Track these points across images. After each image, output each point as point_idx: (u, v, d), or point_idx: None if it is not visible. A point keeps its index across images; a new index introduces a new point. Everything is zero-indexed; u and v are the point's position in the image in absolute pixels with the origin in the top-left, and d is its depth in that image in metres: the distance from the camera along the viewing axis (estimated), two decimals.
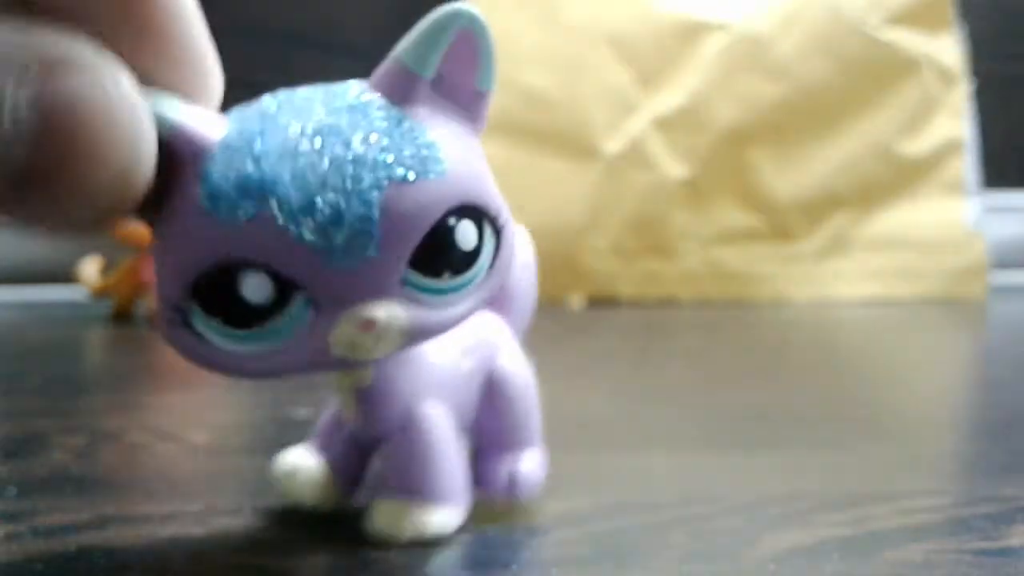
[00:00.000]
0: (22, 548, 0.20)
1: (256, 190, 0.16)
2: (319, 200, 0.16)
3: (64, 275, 0.72)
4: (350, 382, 0.20)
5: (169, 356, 0.55)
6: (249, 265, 0.16)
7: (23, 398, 0.37)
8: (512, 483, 0.22)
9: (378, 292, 0.17)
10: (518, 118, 0.76)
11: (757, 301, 0.78)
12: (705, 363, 0.49)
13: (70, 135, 0.14)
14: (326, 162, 0.16)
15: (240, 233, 0.16)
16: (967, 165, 0.82)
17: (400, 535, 0.20)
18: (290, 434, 0.30)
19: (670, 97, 0.80)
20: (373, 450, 0.22)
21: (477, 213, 0.17)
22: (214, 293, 0.16)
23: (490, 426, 0.22)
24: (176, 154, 0.16)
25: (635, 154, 0.79)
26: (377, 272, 0.16)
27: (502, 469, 0.22)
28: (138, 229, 0.61)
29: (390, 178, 0.16)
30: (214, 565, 0.19)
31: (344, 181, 0.16)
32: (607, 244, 0.79)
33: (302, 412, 0.33)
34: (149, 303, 0.63)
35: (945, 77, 0.81)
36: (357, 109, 0.17)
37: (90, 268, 0.67)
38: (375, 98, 0.17)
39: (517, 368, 0.22)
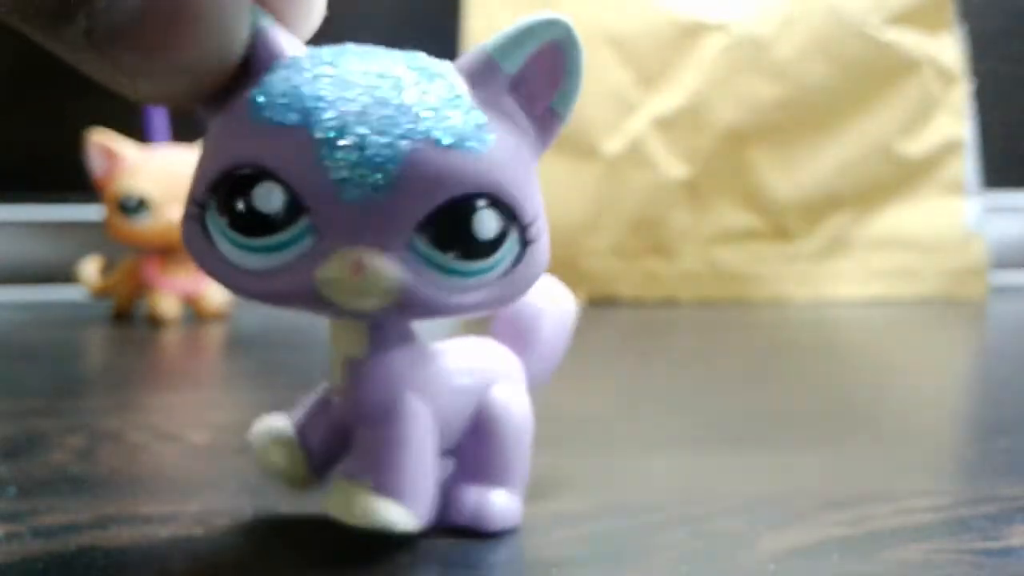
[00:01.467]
0: (22, 548, 0.20)
1: (297, 102, 0.16)
2: (349, 130, 0.16)
3: (64, 275, 0.72)
4: (343, 348, 0.20)
5: (169, 356, 0.55)
6: (267, 174, 0.16)
7: (23, 398, 0.37)
8: (478, 512, 0.21)
9: (379, 241, 0.17)
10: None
11: (757, 301, 0.79)
12: (705, 363, 0.49)
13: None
14: (371, 100, 0.16)
15: (269, 139, 0.16)
16: (967, 165, 0.82)
17: (348, 518, 0.19)
18: None
19: (670, 97, 0.80)
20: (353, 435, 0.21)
21: (507, 210, 0.17)
22: (231, 192, 0.17)
23: (469, 455, 0.21)
24: (251, 57, 0.17)
25: (635, 154, 0.79)
26: (383, 219, 0.17)
27: (470, 497, 0.21)
28: (135, 228, 0.61)
29: (425, 135, 0.16)
30: (214, 565, 0.19)
31: (379, 121, 0.16)
32: (607, 244, 0.79)
33: None
34: (149, 303, 0.63)
35: (945, 77, 0.81)
36: (424, 70, 0.17)
37: (90, 268, 0.67)
38: (448, 70, 0.17)
39: (512, 404, 0.21)
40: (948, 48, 0.82)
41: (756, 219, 0.81)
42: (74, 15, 0.15)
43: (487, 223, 0.17)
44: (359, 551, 0.19)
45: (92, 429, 0.31)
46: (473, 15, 0.79)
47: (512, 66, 0.18)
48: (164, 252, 0.63)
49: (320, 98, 0.16)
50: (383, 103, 0.16)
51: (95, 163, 0.61)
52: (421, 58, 0.18)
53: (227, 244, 0.17)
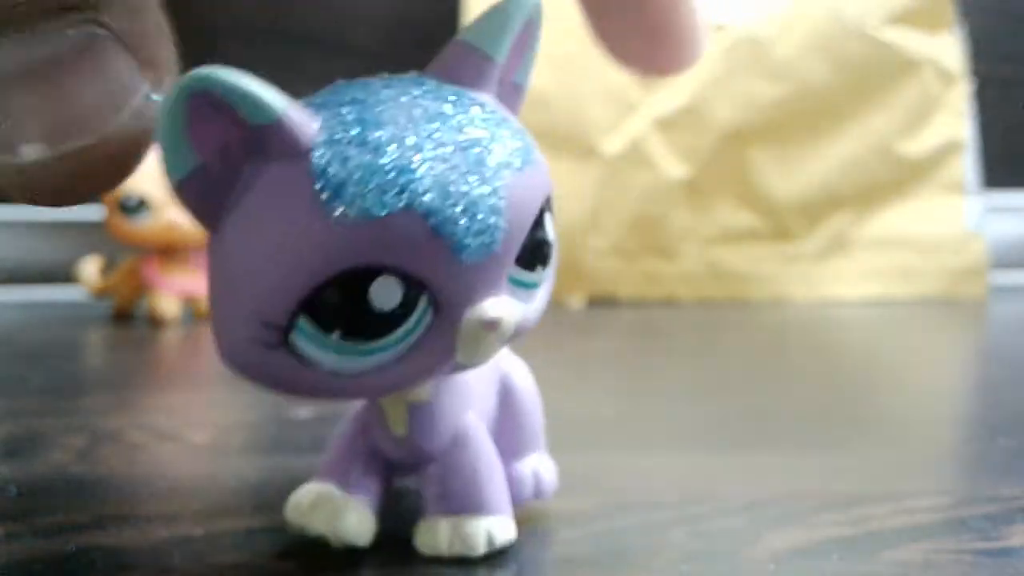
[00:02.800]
0: (22, 548, 0.20)
1: (389, 183, 0.14)
2: (453, 190, 0.15)
3: (64, 275, 0.72)
4: (407, 397, 0.18)
5: (169, 356, 0.55)
6: (380, 269, 0.15)
7: (23, 398, 0.37)
8: (538, 482, 0.21)
9: (496, 286, 0.16)
10: (518, 118, 0.76)
11: (757, 301, 0.78)
12: (705, 363, 0.49)
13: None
14: (452, 150, 0.15)
15: (371, 233, 0.14)
16: (967, 165, 0.82)
17: (473, 552, 0.18)
18: (290, 434, 0.30)
19: (670, 97, 0.80)
20: (407, 473, 0.20)
21: (550, 204, 0.17)
22: (338, 303, 0.15)
23: (506, 433, 0.22)
24: (265, 144, 0.14)
25: (635, 154, 0.79)
26: (498, 266, 0.16)
27: (525, 471, 0.21)
28: (135, 228, 0.61)
29: (508, 166, 0.15)
30: (214, 565, 0.19)
31: (473, 169, 0.15)
32: (607, 244, 0.79)
33: (303, 412, 0.33)
34: (149, 303, 0.63)
35: (945, 77, 0.81)
36: (444, 95, 0.16)
37: (90, 268, 0.67)
38: (448, 81, 0.16)
39: (523, 376, 0.22)
40: (948, 48, 0.81)
41: (756, 219, 0.81)
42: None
43: (549, 225, 0.17)
44: (357, 551, 0.19)
45: (92, 429, 0.31)
46: (471, 17, 0.79)
47: (503, 55, 0.17)
48: (164, 252, 0.63)
49: (404, 169, 0.14)
50: (463, 150, 0.15)
51: None
52: (424, 82, 0.16)
53: (337, 356, 0.15)
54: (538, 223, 0.16)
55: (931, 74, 0.81)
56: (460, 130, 0.15)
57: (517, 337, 0.17)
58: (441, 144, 0.15)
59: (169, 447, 0.29)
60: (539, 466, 0.22)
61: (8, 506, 0.23)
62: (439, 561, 0.19)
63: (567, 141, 0.78)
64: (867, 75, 0.80)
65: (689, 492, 0.24)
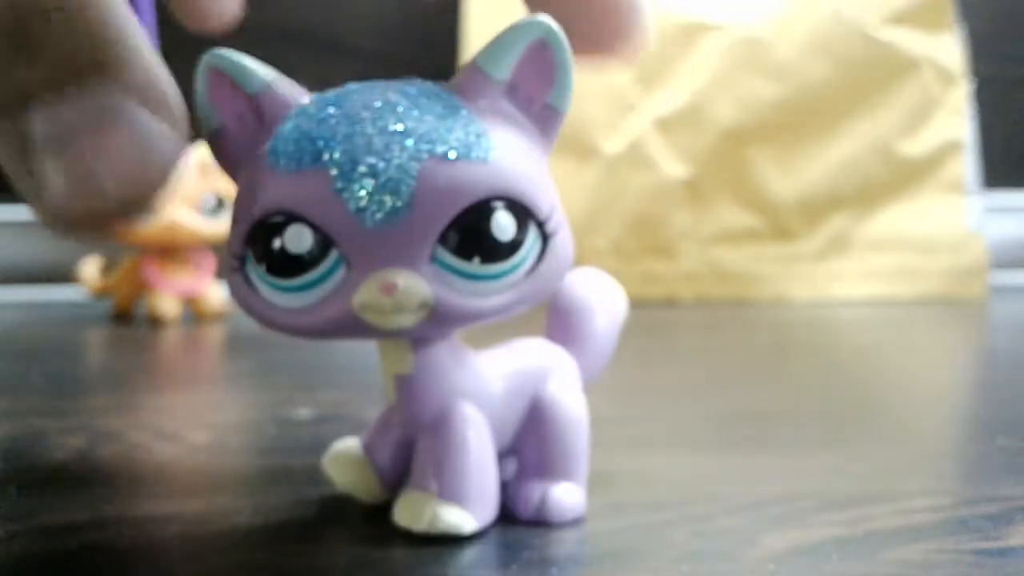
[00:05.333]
0: (22, 548, 0.20)
1: (309, 146, 0.17)
2: (362, 162, 0.17)
3: (65, 275, 0.73)
4: (392, 367, 0.20)
5: (169, 356, 0.55)
6: (294, 218, 0.17)
7: (24, 398, 0.37)
8: (543, 506, 0.21)
9: (405, 260, 0.17)
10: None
11: (757, 301, 0.78)
12: (705, 363, 0.49)
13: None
14: (375, 130, 0.17)
15: (290, 185, 0.17)
16: (967, 165, 0.82)
17: (415, 527, 0.20)
18: (290, 434, 0.30)
19: (670, 97, 0.80)
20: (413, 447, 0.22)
21: (521, 209, 0.18)
22: (263, 241, 0.18)
23: (529, 452, 0.22)
24: (263, 113, 0.18)
25: (635, 154, 0.79)
26: (406, 239, 0.17)
27: (534, 491, 0.21)
28: (137, 229, 0.61)
29: (431, 153, 0.17)
30: (214, 565, 0.19)
31: (387, 148, 0.17)
32: (607, 244, 0.79)
33: (302, 412, 0.33)
34: (149, 303, 0.63)
35: (945, 77, 0.81)
36: (421, 94, 0.18)
37: (90, 268, 0.67)
38: (442, 89, 0.18)
39: (565, 398, 0.22)
40: (948, 48, 0.81)
41: (756, 219, 0.81)
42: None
43: (503, 224, 0.18)
44: (358, 551, 0.19)
45: (92, 429, 0.31)
46: (473, 20, 0.79)
47: (503, 72, 0.18)
48: (164, 252, 0.63)
49: (329, 137, 0.17)
50: (387, 131, 0.17)
51: None
52: (417, 83, 0.18)
53: (268, 288, 0.18)
54: (482, 217, 0.18)
55: (931, 74, 0.81)
56: (397, 116, 0.17)
57: (453, 322, 0.18)
58: (373, 124, 0.17)
59: (169, 447, 0.29)
60: (555, 490, 0.21)
61: (8, 506, 0.23)
62: (434, 542, 0.19)
63: (567, 141, 0.78)
64: (867, 75, 0.80)
65: (689, 492, 0.24)
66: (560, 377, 0.22)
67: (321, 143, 0.17)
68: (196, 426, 0.32)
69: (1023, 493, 0.24)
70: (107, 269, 0.68)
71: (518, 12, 0.19)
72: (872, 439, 0.31)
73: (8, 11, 0.15)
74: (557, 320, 0.24)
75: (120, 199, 0.16)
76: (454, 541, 0.20)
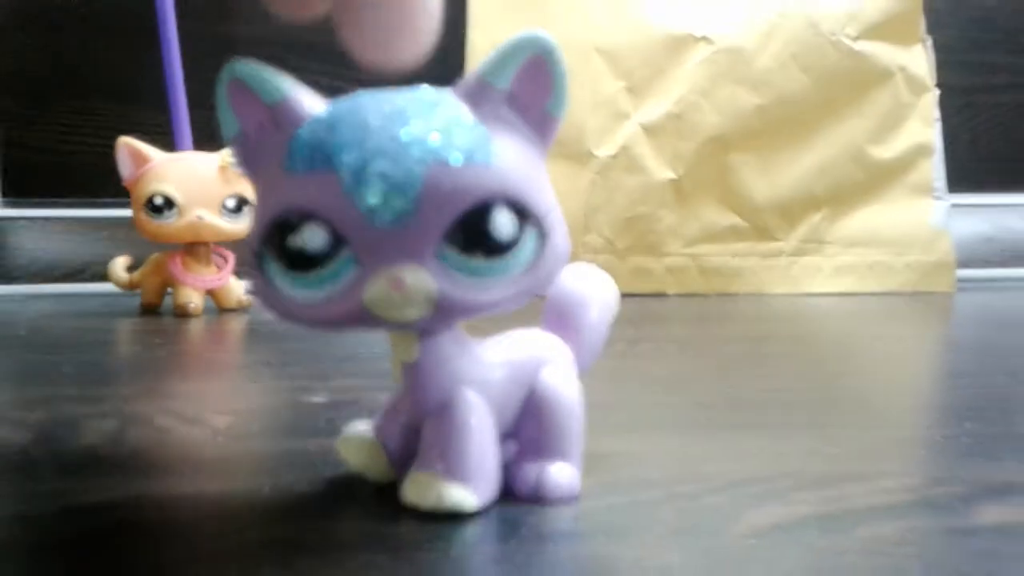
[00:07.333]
0: (58, 526, 0.20)
1: (323, 151, 0.18)
2: (371, 166, 0.17)
3: (96, 271, 0.72)
4: (400, 355, 0.20)
5: (193, 346, 0.55)
6: (309, 217, 0.18)
7: (58, 385, 0.37)
8: (540, 484, 0.21)
9: (412, 257, 0.18)
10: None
11: (739, 295, 0.78)
12: (691, 353, 0.49)
13: None
14: (385, 136, 0.17)
15: (305, 187, 0.18)
16: (935, 168, 0.82)
17: (422, 504, 0.20)
18: (306, 419, 0.30)
19: (658, 105, 0.79)
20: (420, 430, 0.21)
21: (520, 209, 0.18)
22: (280, 240, 0.18)
23: (528, 435, 0.22)
24: (281, 120, 0.18)
25: (625, 158, 0.79)
26: (413, 237, 0.18)
27: (532, 471, 0.21)
28: (161, 227, 0.61)
29: (437, 157, 0.17)
30: (236, 540, 0.19)
31: (396, 153, 0.17)
32: (600, 242, 0.79)
33: (318, 398, 0.33)
34: (175, 297, 0.63)
35: (915, 86, 0.81)
36: (428, 101, 0.18)
37: (119, 265, 0.67)
38: (447, 96, 0.18)
39: (562, 385, 0.22)
40: (918, 59, 0.81)
41: (738, 219, 0.81)
42: None
43: (503, 224, 0.18)
44: (373, 527, 0.19)
45: (122, 414, 0.31)
46: (475, 30, 0.79)
47: (504, 82, 0.19)
48: (188, 249, 0.63)
49: (341, 143, 0.17)
50: (396, 137, 0.17)
51: (124, 166, 0.61)
52: (424, 90, 0.19)
53: (284, 283, 0.18)
54: (484, 217, 0.18)
55: (902, 83, 0.81)
56: (405, 122, 0.18)
57: (457, 314, 0.18)
58: (383, 130, 0.17)
59: (193, 431, 0.29)
60: (554, 473, 0.21)
61: (44, 486, 0.23)
62: (440, 518, 0.19)
63: (563, 146, 0.78)
64: (842, 84, 0.80)
65: (677, 472, 0.24)
66: (557, 365, 0.22)
67: (334, 148, 0.17)
68: (219, 411, 0.32)
69: (989, 474, 0.24)
70: (134, 266, 0.68)
71: (518, 25, 0.20)
72: (847, 423, 0.31)
73: None
74: (553, 312, 0.24)
75: None
76: (458, 517, 0.20)
